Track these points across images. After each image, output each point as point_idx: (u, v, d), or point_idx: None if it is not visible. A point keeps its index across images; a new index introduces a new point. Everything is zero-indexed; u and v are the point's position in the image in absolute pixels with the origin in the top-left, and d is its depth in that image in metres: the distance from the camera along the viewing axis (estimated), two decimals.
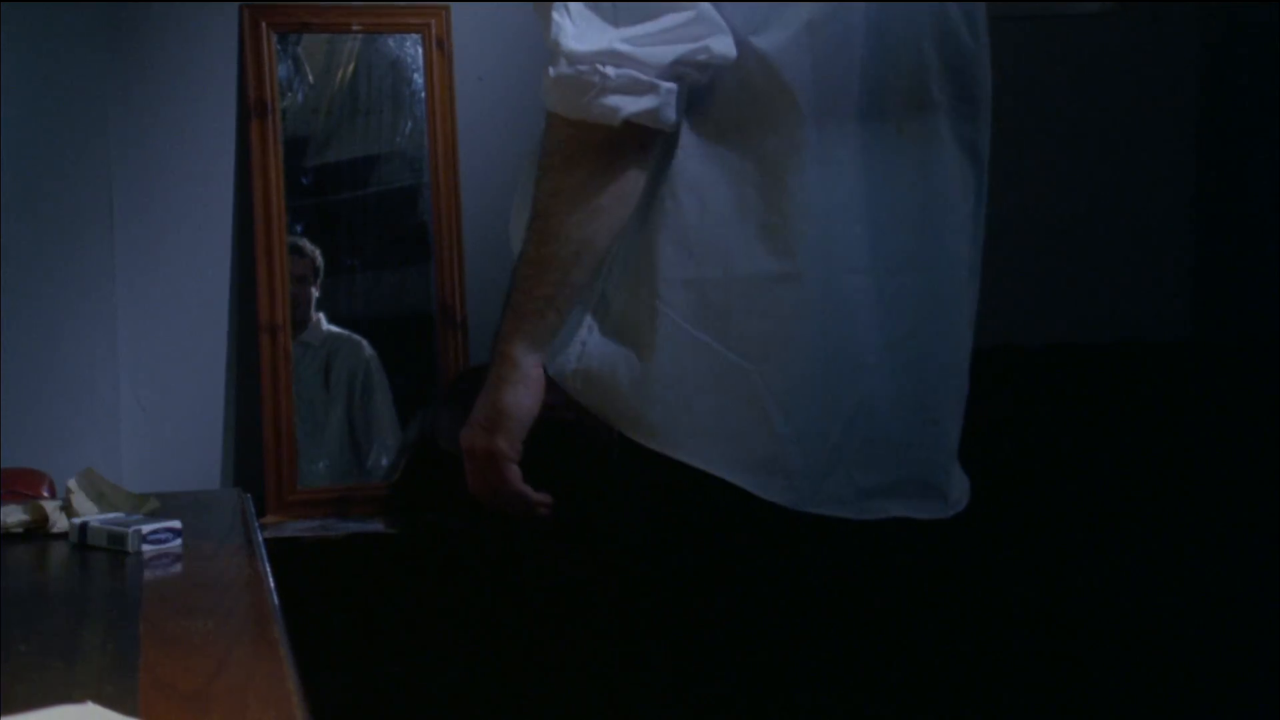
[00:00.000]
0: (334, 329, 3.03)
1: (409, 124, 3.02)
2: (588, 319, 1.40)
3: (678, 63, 1.28)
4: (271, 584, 1.48)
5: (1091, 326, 3.15)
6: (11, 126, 2.77)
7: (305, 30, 2.98)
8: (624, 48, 1.26)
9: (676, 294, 1.34)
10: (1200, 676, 2.73)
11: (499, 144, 3.03)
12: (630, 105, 1.27)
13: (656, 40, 1.27)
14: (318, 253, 3.03)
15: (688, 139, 1.34)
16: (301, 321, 3.01)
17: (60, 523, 1.74)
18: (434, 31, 3.00)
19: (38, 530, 1.75)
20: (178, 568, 1.59)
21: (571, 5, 1.28)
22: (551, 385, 1.42)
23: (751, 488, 1.33)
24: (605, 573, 1.52)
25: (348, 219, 3.03)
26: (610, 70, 1.27)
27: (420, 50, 3.02)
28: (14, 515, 1.75)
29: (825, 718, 1.44)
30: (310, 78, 3.00)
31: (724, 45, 1.29)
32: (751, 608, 1.39)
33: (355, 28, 2.99)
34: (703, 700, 1.42)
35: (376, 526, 2.82)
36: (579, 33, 1.27)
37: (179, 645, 1.25)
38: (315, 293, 3.03)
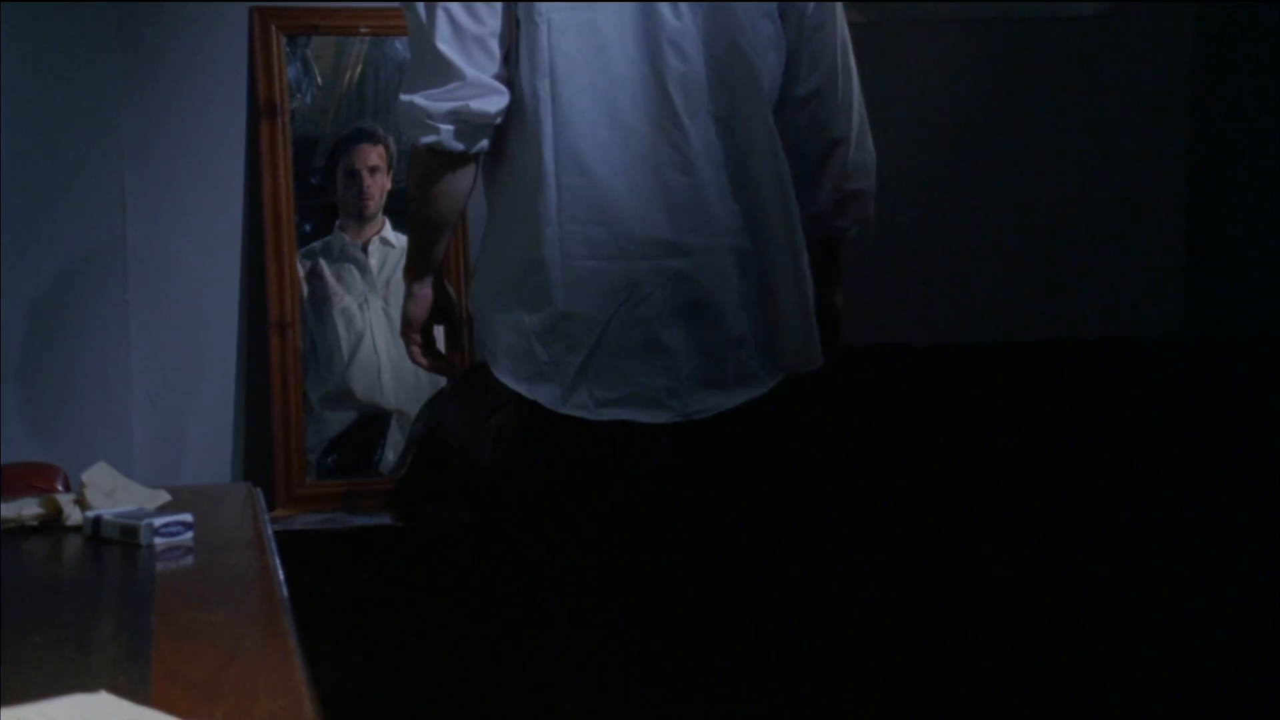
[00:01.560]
0: (402, 235, 2.93)
1: None
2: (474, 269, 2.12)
3: (450, 113, 1.91)
4: (281, 576, 1.49)
5: (1085, 323, 3.15)
6: (25, 127, 2.78)
7: (314, 32, 2.98)
8: (419, 100, 1.92)
9: (491, 261, 2.05)
10: (1197, 674, 2.72)
11: None
12: (423, 137, 1.94)
13: (437, 97, 1.91)
14: (391, 139, 2.95)
15: (501, 158, 2.00)
16: (371, 215, 2.94)
17: (74, 516, 1.75)
18: None
19: (52, 523, 1.75)
20: (189, 560, 1.59)
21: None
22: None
23: (526, 393, 1.99)
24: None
25: None
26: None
27: None
28: (29, 508, 1.76)
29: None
30: (319, 79, 3.01)
31: (484, 104, 1.92)
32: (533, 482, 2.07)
33: (363, 30, 2.99)
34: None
35: (384, 520, 2.82)
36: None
37: (190, 636, 1.25)
38: (388, 184, 2.95)
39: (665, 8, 1.94)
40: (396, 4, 2.96)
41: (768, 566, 2.20)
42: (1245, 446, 2.79)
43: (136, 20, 2.89)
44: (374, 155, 2.96)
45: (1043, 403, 2.88)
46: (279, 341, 2.91)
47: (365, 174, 2.95)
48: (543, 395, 1.98)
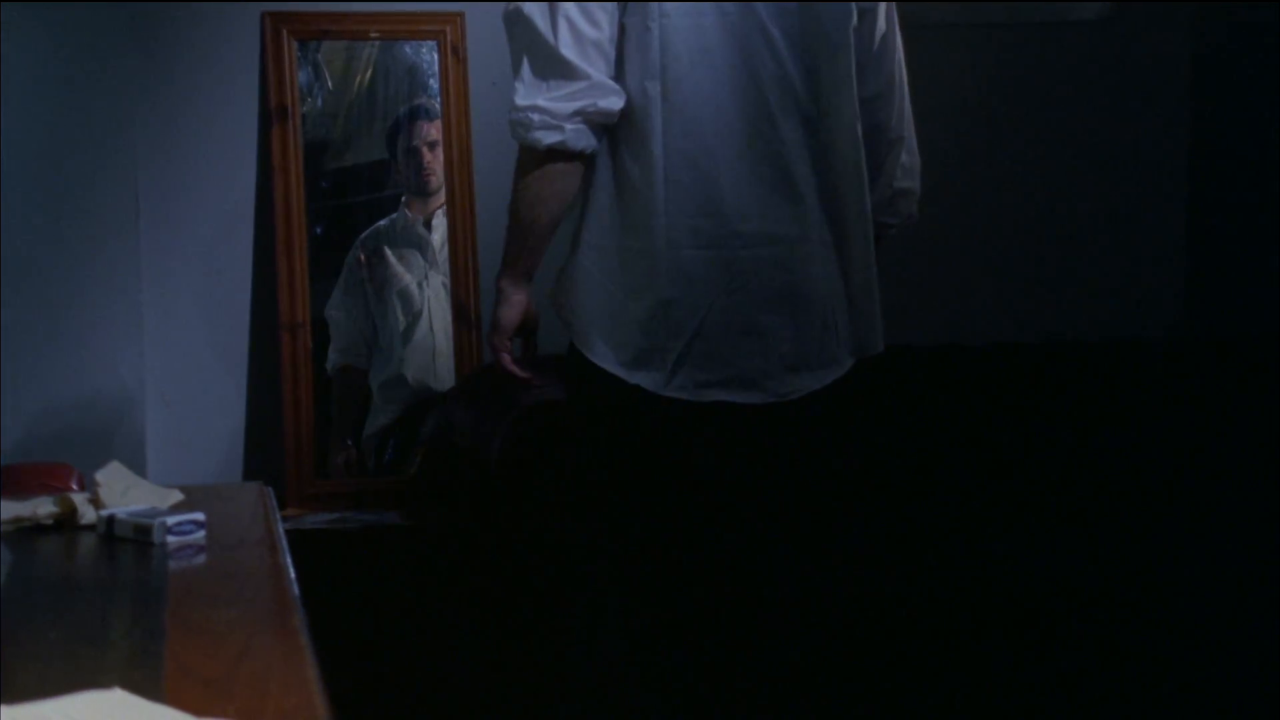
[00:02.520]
0: None
1: None
2: (563, 262, 2.14)
3: (576, 113, 1.98)
4: (292, 574, 1.49)
5: (1085, 324, 3.15)
6: (40, 129, 2.79)
7: (325, 37, 2.99)
8: (543, 102, 1.98)
9: (590, 253, 2.08)
10: (1197, 675, 2.71)
11: (512, 147, 3.01)
12: (548, 138, 1.99)
13: (563, 99, 1.98)
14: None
15: (602, 156, 2.06)
16: (434, 190, 2.95)
17: (88, 515, 1.75)
18: (449, 38, 3.01)
19: (67, 522, 1.76)
20: (201, 559, 1.60)
21: (524, 73, 2.00)
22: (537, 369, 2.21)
23: (626, 378, 2.04)
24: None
25: (366, 221, 3.04)
26: (535, 116, 1.99)
27: (436, 56, 3.03)
28: (44, 507, 1.76)
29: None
30: (329, 83, 3.01)
31: (609, 103, 2.00)
32: (633, 462, 2.10)
33: (373, 34, 3.00)
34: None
35: (393, 519, 2.83)
36: (525, 92, 2.00)
37: (203, 633, 1.26)
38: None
39: (763, 12, 2.03)
40: (409, 10, 3.00)
41: (769, 565, 2.21)
42: (1244, 447, 2.79)
43: (149, 25, 2.90)
44: (433, 130, 2.97)
45: (1042, 404, 2.88)
46: (290, 342, 2.91)
47: (425, 150, 2.96)
48: (643, 379, 2.05)
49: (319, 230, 2.99)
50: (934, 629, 2.76)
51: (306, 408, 2.91)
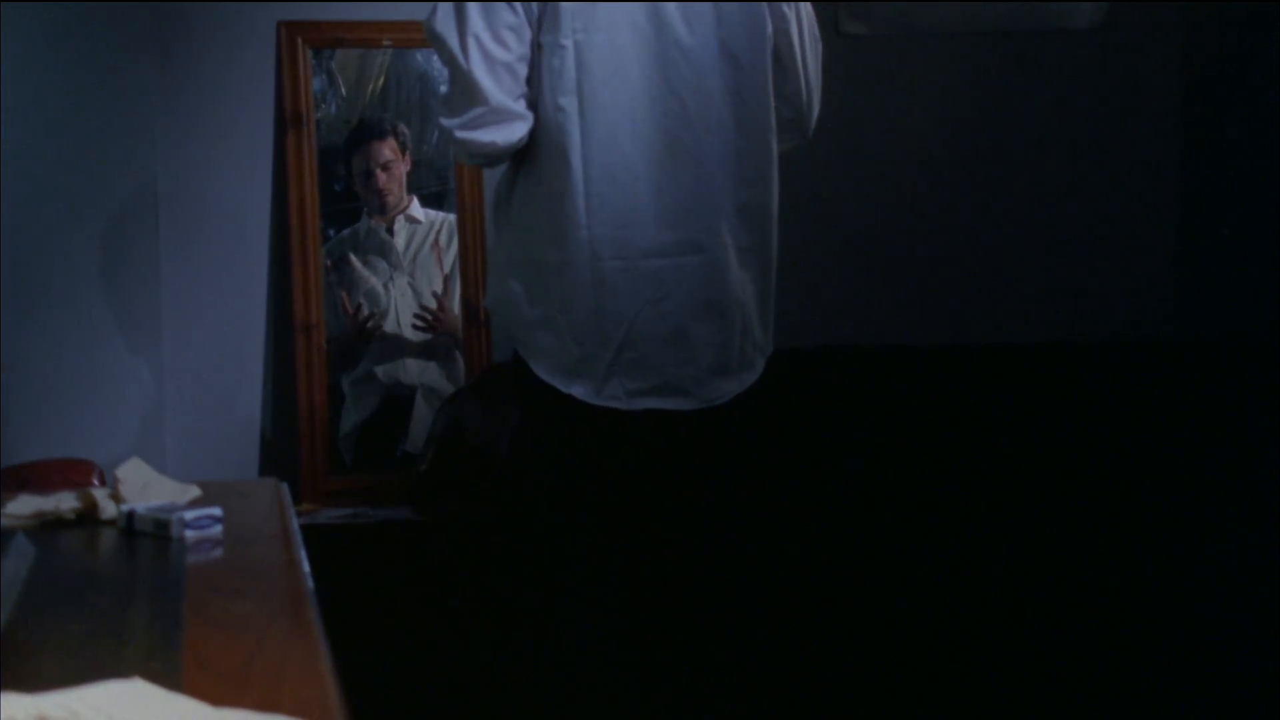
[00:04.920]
0: (430, 210, 2.98)
1: (435, 133, 3.04)
2: (500, 276, 2.18)
3: (479, 152, 2.08)
4: (306, 568, 1.49)
5: (1079, 325, 3.14)
6: (61, 136, 2.79)
7: (339, 45, 2.99)
8: (459, 134, 2.06)
9: (523, 266, 2.11)
10: (1192, 674, 2.70)
11: None
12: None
13: (470, 125, 2.05)
14: (401, 125, 2.95)
15: (528, 171, 2.10)
16: (393, 206, 2.95)
17: (109, 510, 1.75)
18: None
19: (88, 517, 1.76)
20: (219, 553, 1.60)
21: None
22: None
23: (561, 387, 2.08)
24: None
25: None
26: (452, 140, 2.11)
27: None
28: (66, 502, 1.77)
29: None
30: (343, 90, 3.02)
31: (508, 133, 2.05)
32: (568, 463, 2.15)
33: (386, 43, 3.00)
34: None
35: (405, 514, 2.83)
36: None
37: (220, 626, 1.26)
38: (406, 167, 2.96)
39: (679, 25, 2.05)
40: (422, 19, 3.00)
41: (767, 562, 2.23)
42: (1237, 446, 2.78)
43: (169, 33, 2.90)
44: (385, 150, 2.97)
45: (1036, 404, 2.88)
46: (304, 342, 2.92)
47: (379, 172, 2.96)
48: (578, 390, 2.08)
49: (332, 233, 2.99)
50: (924, 630, 2.75)
51: (321, 406, 2.92)
